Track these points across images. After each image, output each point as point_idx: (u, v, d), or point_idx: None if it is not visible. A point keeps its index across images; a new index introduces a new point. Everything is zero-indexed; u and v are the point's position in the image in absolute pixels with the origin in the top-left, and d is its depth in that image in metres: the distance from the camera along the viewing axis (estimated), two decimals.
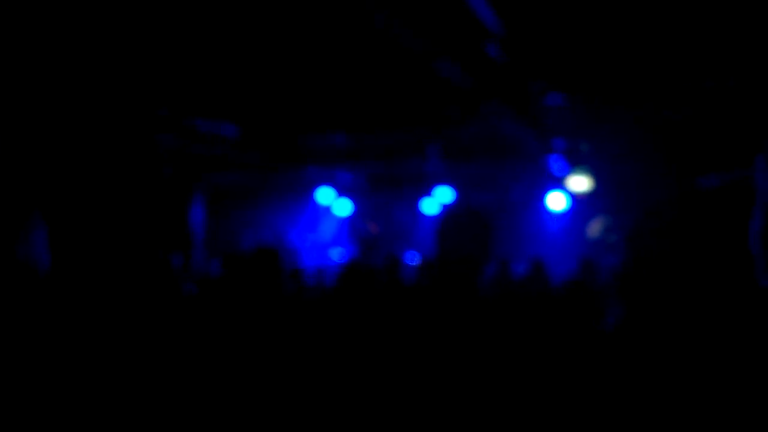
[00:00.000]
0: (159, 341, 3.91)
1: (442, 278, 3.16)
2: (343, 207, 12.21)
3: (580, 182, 9.48)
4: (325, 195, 11.80)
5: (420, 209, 11.40)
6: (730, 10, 5.00)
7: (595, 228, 10.97)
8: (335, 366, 3.63)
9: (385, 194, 12.18)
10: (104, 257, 5.86)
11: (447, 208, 10.95)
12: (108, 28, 5.04)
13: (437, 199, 10.80)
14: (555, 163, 9.23)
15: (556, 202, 10.33)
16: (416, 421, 2.87)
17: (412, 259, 10.48)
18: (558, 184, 9.98)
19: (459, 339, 3.02)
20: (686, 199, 7.95)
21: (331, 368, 3.64)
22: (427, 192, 10.84)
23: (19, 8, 4.52)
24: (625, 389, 2.63)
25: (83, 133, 6.40)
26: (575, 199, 10.26)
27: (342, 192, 12.03)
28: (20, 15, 4.64)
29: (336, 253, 12.11)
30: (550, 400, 2.81)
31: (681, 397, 2.40)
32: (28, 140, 5.70)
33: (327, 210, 12.32)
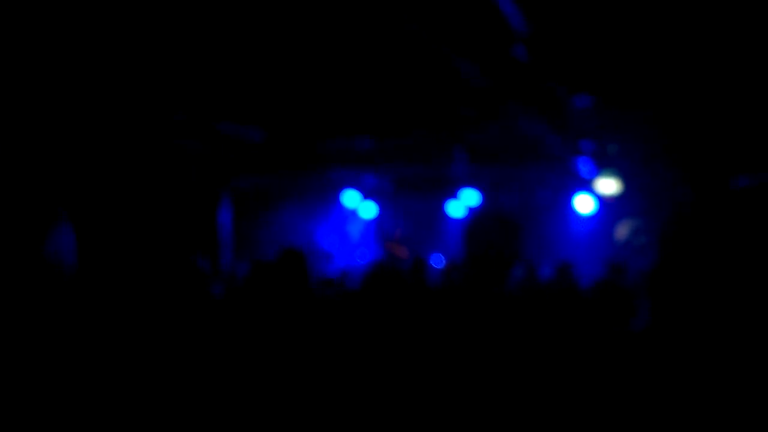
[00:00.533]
0: (185, 343, 3.93)
1: (470, 280, 3.15)
2: (368, 210, 12.25)
3: (608, 185, 9.40)
4: (350, 198, 11.84)
5: (446, 212, 11.37)
6: (760, 11, 4.93)
7: (623, 230, 10.86)
8: (360, 367, 3.63)
9: (411, 197, 12.17)
10: (131, 258, 5.93)
11: (475, 212, 10.91)
12: (136, 36, 5.11)
13: (463, 202, 10.77)
14: (583, 166, 9.16)
15: (584, 204, 10.24)
16: (445, 421, 2.86)
17: (438, 261, 10.46)
18: (586, 186, 9.91)
19: (485, 340, 3.00)
20: (716, 199, 7.84)
21: (355, 370, 3.64)
22: (453, 195, 10.81)
23: (53, 19, 4.59)
24: (653, 390, 2.60)
25: (111, 135, 6.49)
26: (603, 201, 10.17)
27: (367, 195, 12.06)
28: (54, 25, 4.72)
29: (362, 255, 12.14)
30: (577, 400, 2.78)
31: (710, 399, 2.36)
32: (58, 141, 5.80)
33: (353, 213, 12.36)
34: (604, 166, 9.26)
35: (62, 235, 2.29)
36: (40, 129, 5.58)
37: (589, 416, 2.64)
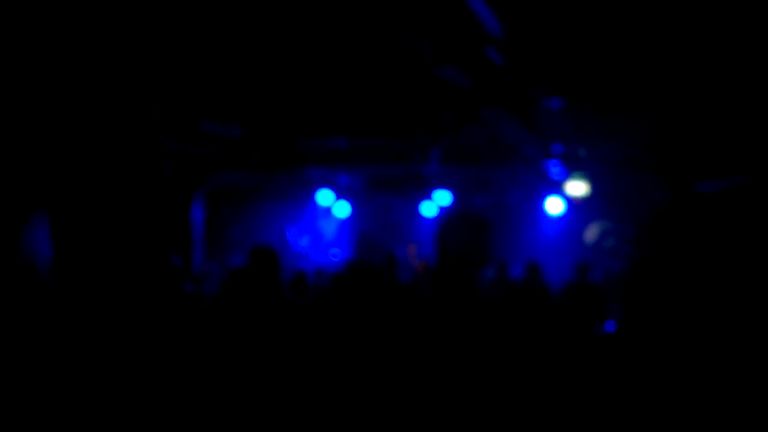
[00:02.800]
0: (157, 339, 3.94)
1: (442, 280, 3.21)
2: (342, 209, 12.29)
3: (577, 187, 9.53)
4: (325, 197, 11.87)
5: (419, 211, 11.45)
6: (730, 17, 5.04)
7: (592, 233, 11.03)
8: (334, 365, 3.67)
9: (384, 196, 12.24)
10: (104, 255, 5.90)
11: (446, 212, 11.00)
12: (111, 31, 5.09)
13: (436, 202, 10.86)
14: (553, 168, 9.29)
15: (553, 206, 10.39)
16: (414, 419, 2.91)
17: (408, 259, 10.54)
18: (556, 188, 10.04)
19: (458, 338, 3.07)
20: (684, 204, 7.99)
21: (330, 367, 3.68)
22: (426, 194, 10.89)
23: (35, 14, 4.57)
24: (623, 390, 2.67)
25: (85, 132, 6.45)
26: (573, 203, 10.32)
27: (341, 194, 12.10)
28: (34, 21, 4.69)
29: (335, 254, 12.18)
30: (548, 399, 2.86)
31: (680, 399, 2.44)
32: (32, 139, 5.75)
33: (327, 211, 12.40)
34: (574, 168, 9.39)
35: (37, 229, 2.31)
36: (14, 122, 5.54)
37: (563, 414, 2.71)
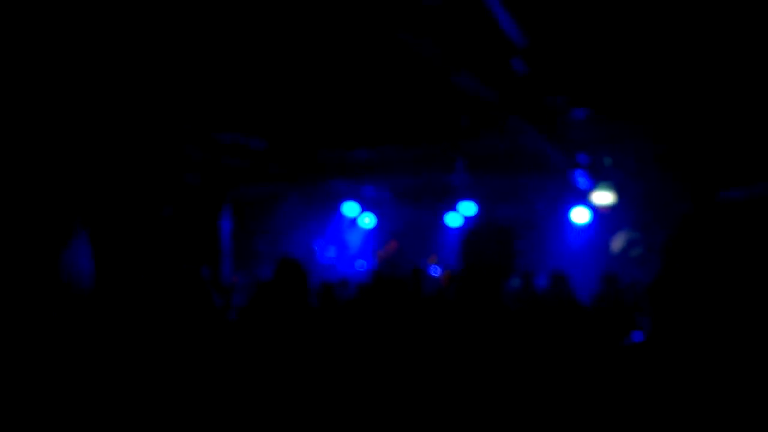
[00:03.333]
0: (187, 352, 4.00)
1: (466, 290, 3.22)
2: (368, 220, 12.34)
3: (603, 197, 9.48)
4: (350, 208, 11.92)
5: (444, 222, 11.46)
6: (754, 28, 5.02)
7: (618, 242, 10.95)
8: (358, 376, 3.69)
9: (409, 207, 12.26)
10: (135, 267, 5.99)
11: (471, 222, 10.99)
12: (142, 46, 5.19)
13: (461, 213, 10.86)
14: (579, 178, 9.25)
15: (579, 216, 10.34)
16: (436, 427, 2.92)
17: (436, 271, 10.53)
18: (582, 198, 10.00)
19: (482, 350, 3.08)
20: (710, 213, 7.90)
21: (353, 379, 3.71)
22: (451, 205, 10.90)
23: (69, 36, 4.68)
24: (652, 403, 2.66)
25: (116, 144, 6.57)
26: (599, 213, 10.26)
27: (366, 205, 12.15)
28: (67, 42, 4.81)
29: (361, 265, 12.21)
30: (575, 412, 2.85)
31: (709, 413, 2.42)
32: (63, 150, 5.87)
33: (353, 222, 12.45)
34: (599, 178, 9.34)
35: (79, 246, 2.35)
36: (47, 137, 5.67)
37: (589, 426, 2.71)
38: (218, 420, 3.56)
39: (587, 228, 10.70)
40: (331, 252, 12.56)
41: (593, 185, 9.43)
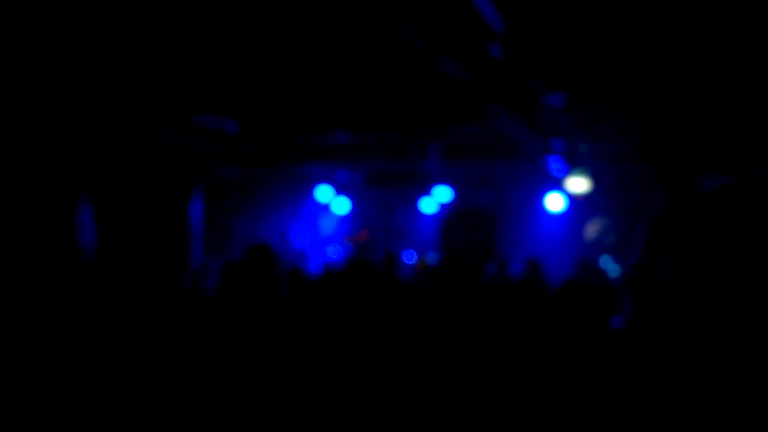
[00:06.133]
0: (154, 335, 3.91)
1: (446, 276, 3.17)
2: (341, 205, 12.25)
3: (578, 183, 9.51)
4: (324, 193, 11.83)
5: (419, 208, 11.42)
6: (731, 14, 5.02)
7: (592, 229, 11.01)
8: (333, 364, 3.64)
9: (384, 192, 12.21)
10: (104, 251, 5.88)
11: (450, 208, 10.96)
12: (114, 28, 5.07)
13: (436, 199, 10.81)
14: (554, 164, 9.26)
15: (554, 202, 10.36)
16: (415, 418, 2.88)
17: (410, 257, 10.50)
18: (556, 184, 10.02)
19: (460, 336, 3.03)
20: (687, 200, 7.96)
21: (329, 366, 3.65)
22: (426, 191, 10.85)
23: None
24: (629, 388, 2.64)
25: (87, 126, 6.42)
26: (573, 200, 10.30)
27: (341, 190, 12.07)
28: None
29: (334, 251, 12.14)
30: (550, 396, 2.83)
31: (686, 397, 2.41)
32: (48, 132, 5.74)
33: (326, 207, 12.36)
34: (574, 164, 9.37)
35: (84, 213, 2.32)
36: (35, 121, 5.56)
37: (567, 412, 2.68)
38: (188, 403, 3.49)
39: (562, 215, 10.74)
40: (305, 237, 12.48)
41: (568, 172, 9.45)
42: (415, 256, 10.57)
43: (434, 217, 11.31)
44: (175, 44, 5.60)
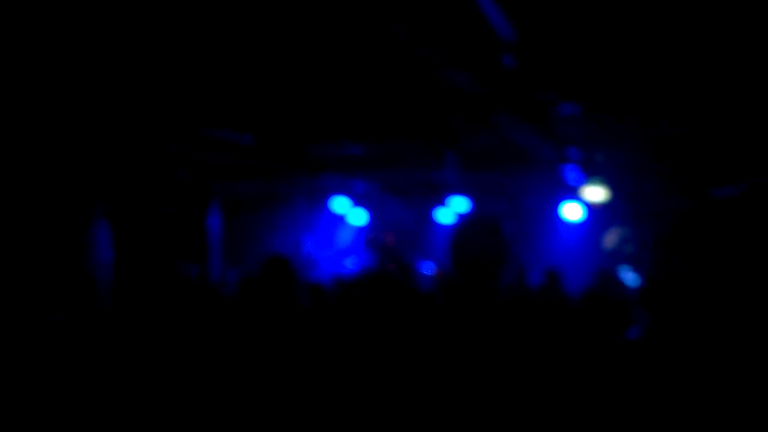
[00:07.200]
0: (173, 348, 3.93)
1: (459, 287, 3.15)
2: (358, 216, 12.24)
3: (595, 192, 9.45)
4: (340, 204, 11.82)
5: (434, 218, 11.39)
6: (746, 26, 4.99)
7: (611, 238, 10.93)
8: (349, 375, 3.64)
9: (400, 203, 12.20)
10: (120, 264, 5.93)
11: (463, 217, 10.90)
12: (129, 40, 5.13)
13: (452, 209, 10.77)
14: (570, 173, 9.21)
15: (571, 212, 10.29)
16: (433, 427, 2.87)
17: (429, 268, 10.47)
18: (573, 194, 9.95)
19: (476, 347, 3.02)
20: (702, 208, 7.90)
21: (345, 377, 3.65)
22: (442, 201, 10.82)
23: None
24: (646, 399, 2.62)
25: (101, 139, 6.49)
26: (591, 209, 10.23)
27: (357, 201, 12.06)
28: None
29: (351, 262, 12.13)
30: (567, 408, 2.80)
31: (702, 408, 2.38)
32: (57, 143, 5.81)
33: (342, 219, 12.35)
34: (591, 173, 9.31)
35: (101, 229, 2.34)
36: (42, 130, 5.62)
37: (582, 423, 2.66)
38: (202, 414, 3.51)
39: (580, 224, 10.67)
40: (322, 249, 12.48)
41: (585, 181, 9.39)
42: (434, 267, 10.53)
43: (451, 226, 11.26)
44: (190, 58, 5.65)
